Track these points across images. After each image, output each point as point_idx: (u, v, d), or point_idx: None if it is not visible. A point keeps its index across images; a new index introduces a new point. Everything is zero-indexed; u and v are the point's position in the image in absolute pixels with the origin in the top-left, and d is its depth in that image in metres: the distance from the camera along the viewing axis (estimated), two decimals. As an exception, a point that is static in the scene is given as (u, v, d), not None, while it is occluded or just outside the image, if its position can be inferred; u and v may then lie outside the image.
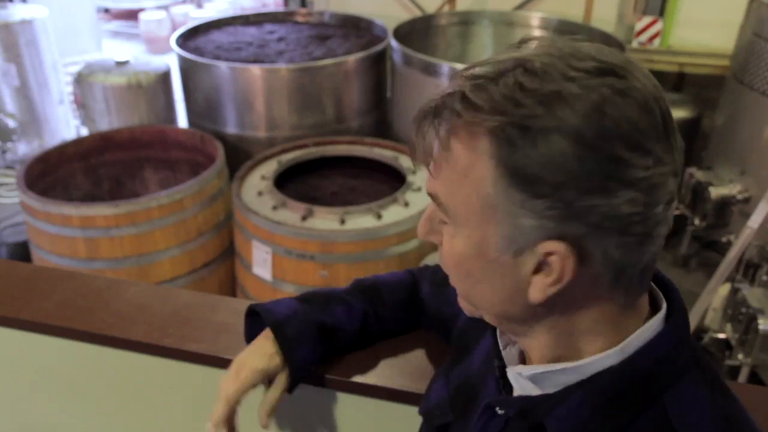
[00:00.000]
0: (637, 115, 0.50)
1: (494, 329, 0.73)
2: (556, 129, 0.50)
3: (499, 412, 0.66)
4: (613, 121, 0.50)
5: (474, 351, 0.79)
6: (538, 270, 0.55)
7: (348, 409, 1.24)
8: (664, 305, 0.60)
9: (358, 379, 1.17)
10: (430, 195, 0.59)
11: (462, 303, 0.66)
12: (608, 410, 0.57)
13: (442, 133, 0.55)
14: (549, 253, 0.53)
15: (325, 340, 0.98)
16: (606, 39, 3.96)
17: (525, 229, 0.53)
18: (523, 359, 0.68)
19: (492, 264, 0.57)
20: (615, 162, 0.50)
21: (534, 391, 0.62)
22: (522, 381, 0.63)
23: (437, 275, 1.06)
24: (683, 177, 3.66)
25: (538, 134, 0.50)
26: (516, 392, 0.65)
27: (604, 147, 0.50)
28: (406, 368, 1.18)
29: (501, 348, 0.68)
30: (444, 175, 0.56)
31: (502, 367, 0.68)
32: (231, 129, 3.71)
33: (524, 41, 0.57)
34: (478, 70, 0.54)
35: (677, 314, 0.60)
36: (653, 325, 0.58)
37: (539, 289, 0.56)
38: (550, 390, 0.60)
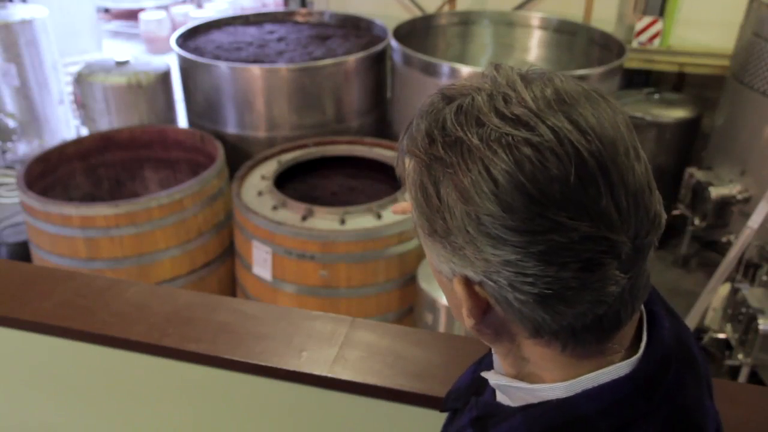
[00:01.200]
0: (539, 176, 0.48)
1: None
2: (449, 178, 0.50)
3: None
4: (499, 180, 0.48)
5: None
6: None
7: (349, 409, 1.25)
8: (641, 350, 0.57)
9: (358, 379, 1.17)
10: None
11: None
12: None
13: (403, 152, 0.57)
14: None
15: None
16: (606, 39, 3.96)
17: (437, 260, 0.56)
18: None
19: (440, 278, 0.59)
20: (494, 220, 0.49)
21: (506, 400, 0.63)
22: (497, 388, 0.65)
23: None
24: (682, 179, 3.66)
25: (436, 179, 0.51)
26: (497, 397, 0.66)
27: (485, 204, 0.49)
28: (406, 368, 1.18)
29: (493, 351, 0.69)
30: None
31: None
32: (231, 129, 3.71)
33: (497, 66, 0.55)
34: (446, 91, 0.55)
35: (648, 362, 0.57)
36: (616, 370, 0.56)
37: (465, 315, 0.56)
38: (515, 404, 0.61)
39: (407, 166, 0.56)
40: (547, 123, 0.48)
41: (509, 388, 0.62)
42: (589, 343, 0.55)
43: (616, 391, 0.55)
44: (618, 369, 0.56)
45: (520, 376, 0.61)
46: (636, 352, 0.57)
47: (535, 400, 0.59)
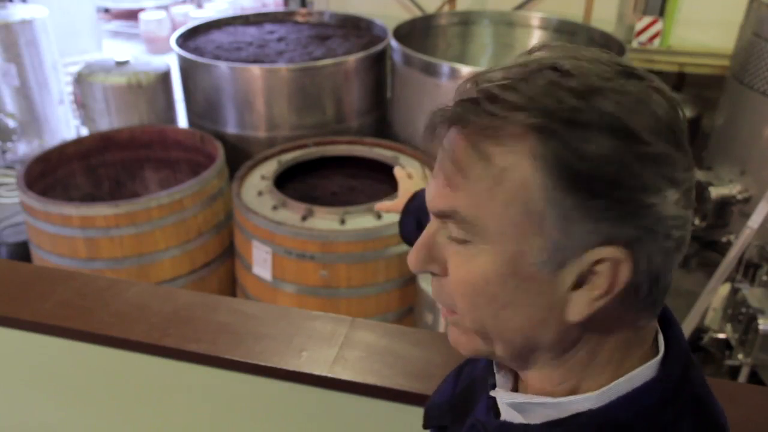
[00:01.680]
0: (674, 114, 0.49)
1: None
2: (605, 123, 0.47)
3: None
4: (657, 117, 0.48)
5: None
6: (580, 284, 0.51)
7: (349, 409, 1.25)
8: (662, 350, 0.56)
9: (358, 379, 1.17)
10: (443, 212, 0.54)
11: (464, 340, 0.59)
12: None
13: (470, 137, 0.50)
14: (599, 261, 0.49)
15: (419, 227, 1.15)
16: (606, 39, 3.96)
17: (575, 235, 0.49)
18: (515, 384, 0.66)
19: (525, 282, 0.52)
20: (663, 159, 0.48)
21: (518, 419, 0.59)
22: (506, 407, 0.62)
23: None
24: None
25: (585, 129, 0.47)
26: (503, 416, 0.63)
27: (652, 142, 0.47)
28: (406, 368, 1.18)
29: (495, 370, 0.65)
30: (471, 185, 0.51)
31: (494, 386, 0.67)
32: (231, 129, 3.72)
33: (536, 49, 0.54)
34: (497, 74, 0.51)
35: (673, 361, 0.56)
36: (645, 372, 0.55)
37: (582, 305, 0.51)
38: (534, 421, 0.58)
39: (490, 151, 0.50)
40: (648, 76, 0.51)
41: (531, 406, 0.57)
42: (656, 309, 0.55)
43: (649, 395, 0.54)
44: (645, 371, 0.54)
45: (554, 391, 0.57)
46: (653, 351, 0.57)
47: (562, 415, 0.55)
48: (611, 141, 0.47)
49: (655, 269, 0.51)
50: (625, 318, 0.53)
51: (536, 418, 0.58)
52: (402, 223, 1.20)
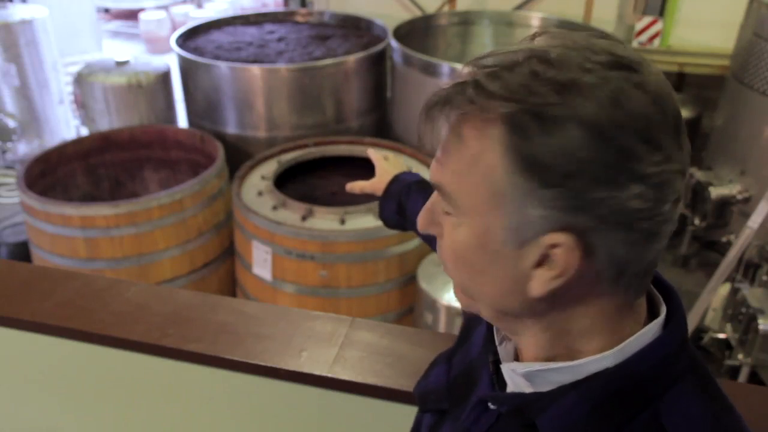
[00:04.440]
0: (652, 109, 0.50)
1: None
2: (571, 118, 0.49)
3: (492, 407, 0.65)
4: (628, 112, 0.49)
5: (473, 337, 0.80)
6: (540, 263, 0.54)
7: (348, 409, 1.25)
8: (664, 309, 0.60)
9: (358, 379, 1.17)
10: (435, 184, 0.59)
11: (459, 295, 0.64)
12: (602, 412, 0.57)
13: (453, 119, 0.55)
14: (554, 246, 0.53)
15: (399, 211, 1.21)
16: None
17: (532, 219, 0.52)
18: (517, 355, 0.67)
19: (494, 255, 0.56)
20: (627, 154, 0.49)
21: (527, 388, 0.62)
22: (516, 378, 0.63)
23: None
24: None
25: (552, 122, 0.50)
26: (509, 388, 0.65)
27: (617, 138, 0.49)
28: (406, 368, 1.18)
29: (497, 343, 0.68)
30: (452, 163, 0.56)
31: (496, 362, 0.68)
32: (231, 129, 3.72)
33: (538, 34, 0.57)
34: (491, 60, 0.54)
35: (676, 319, 0.59)
36: (652, 329, 0.58)
37: (541, 282, 0.55)
38: (544, 388, 0.60)
39: (467, 134, 0.54)
40: (644, 66, 0.52)
41: (546, 373, 0.59)
42: (640, 289, 0.58)
43: (662, 349, 0.57)
44: (653, 328, 0.58)
45: (552, 357, 0.60)
46: (650, 318, 0.61)
47: (577, 377, 0.58)
48: (572, 136, 0.49)
49: (618, 258, 0.54)
50: (596, 295, 0.56)
51: (546, 386, 0.60)
52: (382, 206, 1.24)
